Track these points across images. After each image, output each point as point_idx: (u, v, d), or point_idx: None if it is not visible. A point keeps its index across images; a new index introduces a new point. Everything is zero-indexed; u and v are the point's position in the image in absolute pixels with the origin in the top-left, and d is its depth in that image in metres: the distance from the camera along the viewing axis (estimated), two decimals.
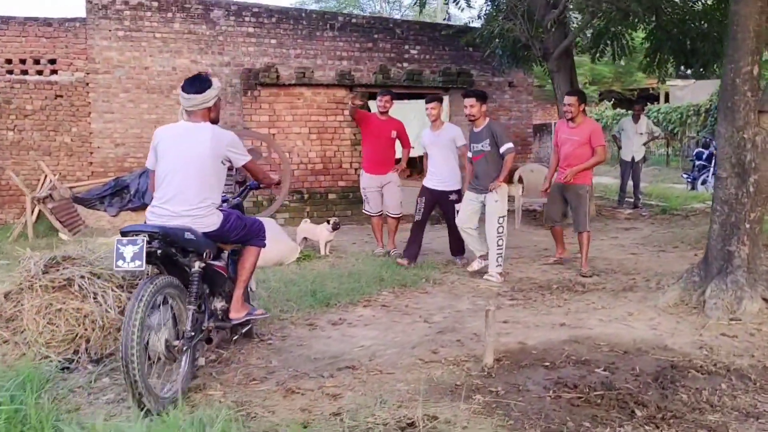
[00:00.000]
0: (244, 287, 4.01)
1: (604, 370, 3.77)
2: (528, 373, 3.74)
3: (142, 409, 3.09)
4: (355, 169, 10.34)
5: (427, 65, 13.00)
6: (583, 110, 6.53)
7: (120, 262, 3.25)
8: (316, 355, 4.10)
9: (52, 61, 12.09)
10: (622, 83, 28.09)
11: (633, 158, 10.85)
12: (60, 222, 10.31)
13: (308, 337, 4.47)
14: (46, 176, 12.05)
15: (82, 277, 4.17)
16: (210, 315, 3.83)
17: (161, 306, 3.39)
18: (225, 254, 4.09)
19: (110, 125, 12.23)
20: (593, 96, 27.43)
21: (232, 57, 12.54)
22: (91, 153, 12.29)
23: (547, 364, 3.88)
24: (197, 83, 3.81)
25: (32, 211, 10.34)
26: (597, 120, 22.82)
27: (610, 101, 25.72)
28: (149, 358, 3.29)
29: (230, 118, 12.29)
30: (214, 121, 3.93)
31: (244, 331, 4.22)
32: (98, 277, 4.23)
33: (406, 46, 13.32)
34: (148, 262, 3.34)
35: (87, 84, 12.20)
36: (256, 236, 4.04)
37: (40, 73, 12.09)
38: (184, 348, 3.47)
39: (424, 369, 3.81)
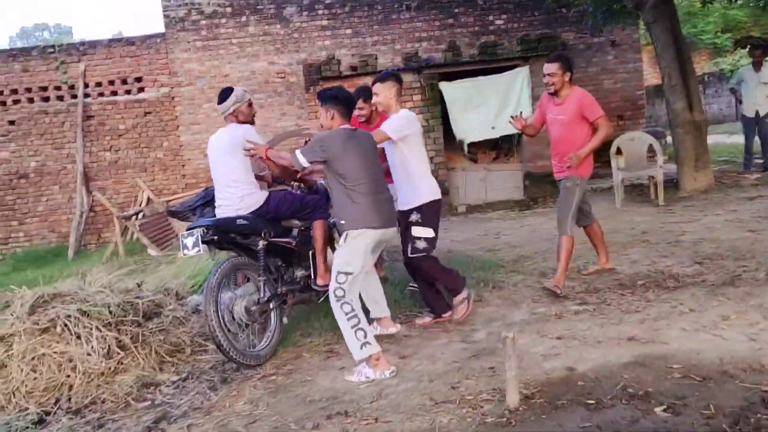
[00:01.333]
0: (323, 257, 4.55)
1: (666, 410, 2.85)
2: (561, 418, 2.90)
3: (237, 365, 3.94)
4: (431, 158, 9.58)
5: (515, 34, 11.92)
6: (570, 79, 4.92)
7: (185, 251, 4.02)
8: (315, 395, 3.49)
9: (138, 79, 12.35)
10: (762, 26, 24.85)
11: (757, 113, 9.19)
12: (149, 238, 10.43)
13: (317, 369, 3.87)
14: (143, 192, 12.38)
15: (68, 316, 3.84)
16: (284, 282, 4.50)
17: (243, 281, 4.32)
18: (295, 232, 4.69)
19: (198, 136, 12.30)
20: (727, 44, 24.54)
21: (308, 53, 12.19)
22: (183, 165, 12.45)
23: (592, 402, 3.01)
24: (221, 95, 4.53)
25: (121, 230, 10.56)
26: (732, 71, 20.35)
27: (745, 48, 22.78)
28: (240, 325, 4.06)
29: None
30: (247, 123, 4.52)
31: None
32: (87, 315, 3.88)
33: (490, 17, 12.32)
34: (220, 248, 4.24)
35: (172, 98, 12.36)
36: (314, 210, 4.63)
37: (128, 92, 12.39)
38: (264, 310, 4.22)
39: (430, 414, 3.08)
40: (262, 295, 4.24)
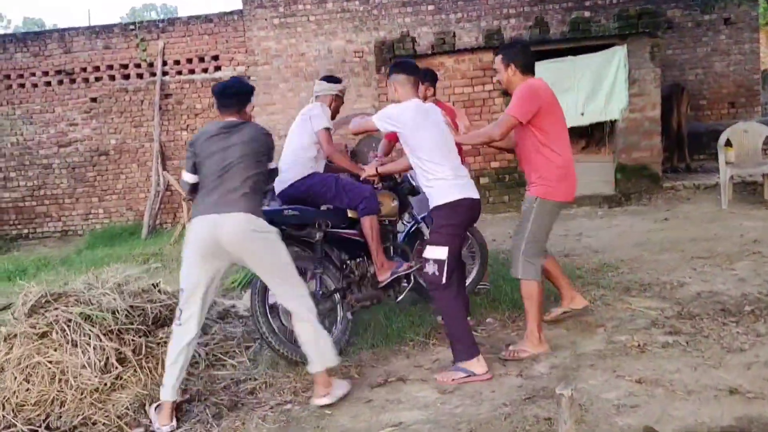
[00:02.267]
0: (376, 251, 4.16)
1: None
2: None
3: (293, 362, 3.64)
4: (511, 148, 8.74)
5: (613, 10, 10.80)
6: (523, 72, 3.72)
7: None
8: None
9: (215, 57, 12.13)
10: None
11: None
12: None
13: (341, 400, 3.27)
14: None
15: (69, 321, 3.43)
16: (344, 276, 4.16)
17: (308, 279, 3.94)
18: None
19: (273, 117, 11.96)
20: None
21: (388, 31, 11.54)
22: None
23: None
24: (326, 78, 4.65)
25: (188, 212, 10.40)
26: None
27: None
28: None
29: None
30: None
31: (409, 287, 4.37)
32: (90, 320, 3.46)
33: None
34: None
35: (249, 77, 12.03)
36: (358, 202, 4.16)
37: (205, 70, 12.20)
38: (326, 305, 3.92)
39: None
40: (317, 288, 3.92)
